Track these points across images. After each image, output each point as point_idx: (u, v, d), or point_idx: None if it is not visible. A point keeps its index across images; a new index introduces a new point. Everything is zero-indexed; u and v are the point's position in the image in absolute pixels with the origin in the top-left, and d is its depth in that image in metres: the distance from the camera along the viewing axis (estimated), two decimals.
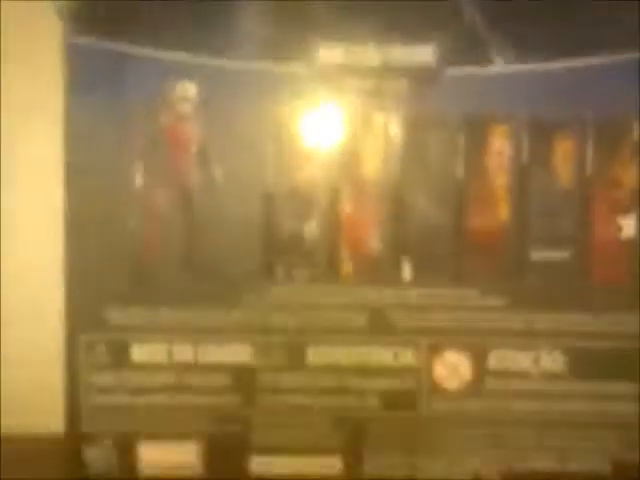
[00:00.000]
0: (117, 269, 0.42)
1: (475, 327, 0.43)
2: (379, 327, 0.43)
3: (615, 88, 0.41)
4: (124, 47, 0.41)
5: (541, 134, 0.42)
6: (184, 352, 0.43)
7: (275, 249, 0.43)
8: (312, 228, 0.43)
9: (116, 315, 0.42)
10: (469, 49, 0.41)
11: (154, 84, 0.41)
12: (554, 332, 0.43)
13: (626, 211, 0.42)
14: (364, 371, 0.43)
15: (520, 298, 0.42)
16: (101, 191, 0.41)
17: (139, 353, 0.43)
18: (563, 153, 0.42)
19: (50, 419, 0.44)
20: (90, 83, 0.41)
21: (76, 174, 0.42)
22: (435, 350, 0.43)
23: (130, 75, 0.41)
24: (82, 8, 0.41)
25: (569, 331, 0.43)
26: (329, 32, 0.41)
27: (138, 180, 0.42)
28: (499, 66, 0.41)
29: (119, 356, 0.43)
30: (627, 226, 0.42)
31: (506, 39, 0.41)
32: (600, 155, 0.42)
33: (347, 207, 0.43)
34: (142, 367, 0.43)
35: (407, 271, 0.43)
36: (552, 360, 0.43)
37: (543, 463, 0.43)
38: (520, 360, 0.43)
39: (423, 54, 0.41)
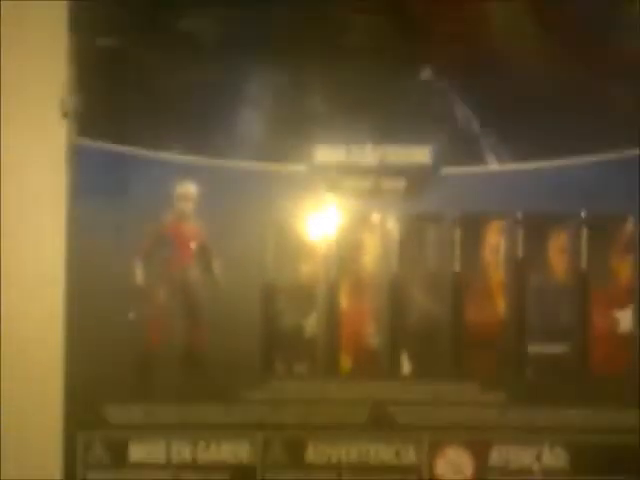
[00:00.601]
0: (116, 366, 0.42)
1: (476, 423, 0.42)
2: (380, 423, 0.42)
3: (607, 184, 0.42)
4: (126, 148, 0.42)
5: (536, 230, 0.43)
6: (182, 450, 0.42)
7: (275, 344, 0.43)
8: (311, 323, 0.43)
9: (115, 413, 0.42)
10: (464, 149, 0.42)
11: (155, 184, 0.42)
12: (555, 427, 0.42)
13: (623, 305, 0.43)
14: (365, 469, 0.42)
15: (519, 393, 0.42)
16: (102, 288, 0.42)
17: (137, 452, 0.42)
18: (558, 248, 0.43)
19: None
20: (93, 183, 0.42)
21: (77, 270, 0.42)
22: (437, 446, 0.43)
23: (132, 175, 0.42)
24: (86, 110, 0.42)
25: (570, 426, 0.42)
26: (327, 133, 0.42)
27: (139, 276, 0.42)
28: (493, 165, 0.42)
29: (117, 455, 0.42)
30: (624, 319, 0.43)
31: (500, 139, 0.42)
32: (595, 250, 0.43)
33: (346, 302, 0.43)
34: (140, 466, 0.42)
35: (406, 365, 0.43)
36: (554, 456, 0.42)
37: None
38: (522, 456, 0.42)
39: (420, 154, 0.42)
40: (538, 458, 0.42)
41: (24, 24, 0.45)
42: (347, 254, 0.43)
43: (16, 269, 0.44)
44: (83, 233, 0.42)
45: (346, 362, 0.43)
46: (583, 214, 0.43)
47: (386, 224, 0.43)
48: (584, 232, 0.43)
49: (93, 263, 0.42)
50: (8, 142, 0.44)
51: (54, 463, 0.43)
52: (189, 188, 0.42)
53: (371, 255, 0.43)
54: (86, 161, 0.42)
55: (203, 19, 0.43)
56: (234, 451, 0.42)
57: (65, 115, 0.42)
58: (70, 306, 0.42)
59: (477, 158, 0.42)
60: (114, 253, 0.42)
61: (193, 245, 0.42)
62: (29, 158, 0.43)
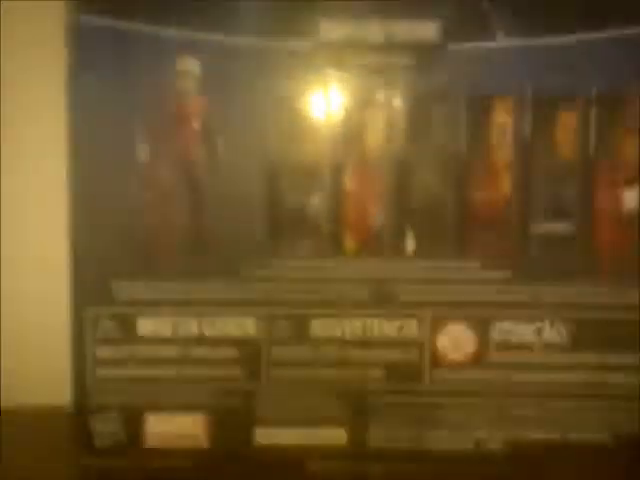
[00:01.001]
0: (122, 244, 0.42)
1: (477, 300, 0.43)
2: (382, 300, 0.43)
3: (618, 61, 0.41)
4: (126, 24, 0.41)
5: (544, 108, 0.42)
6: (189, 325, 0.43)
7: (278, 223, 0.43)
8: (315, 202, 0.43)
9: (122, 289, 0.43)
10: (472, 24, 0.41)
11: (156, 60, 0.41)
12: (556, 304, 0.43)
13: (628, 183, 0.42)
14: (367, 344, 0.43)
15: (522, 271, 0.43)
16: (105, 167, 0.42)
17: (145, 326, 0.43)
18: (566, 126, 0.42)
19: (57, 392, 0.45)
20: (93, 60, 0.41)
21: (80, 151, 0.42)
22: (438, 322, 0.43)
23: (132, 52, 0.41)
24: None
25: (571, 303, 0.43)
26: (331, 8, 0.41)
27: (142, 155, 0.42)
28: (501, 41, 0.41)
29: (125, 330, 0.43)
30: (629, 198, 0.42)
31: (508, 14, 0.41)
32: (603, 128, 0.42)
33: (350, 182, 0.43)
34: (147, 340, 0.43)
35: (410, 244, 0.43)
36: (554, 332, 0.43)
37: (545, 434, 0.44)
38: (522, 332, 0.43)
39: (426, 30, 0.41)
40: (539, 334, 0.43)
41: None
42: (352, 133, 0.42)
43: (17, 145, 0.44)
44: (84, 110, 0.41)
45: (350, 241, 0.43)
46: (593, 91, 0.42)
47: (392, 102, 0.42)
48: (593, 110, 0.42)
49: (96, 140, 0.41)
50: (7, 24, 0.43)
51: (63, 339, 0.43)
52: (190, 64, 0.41)
53: (376, 134, 0.42)
54: (86, 38, 0.41)
55: None
56: (240, 326, 0.43)
57: None
58: (74, 183, 0.42)
59: (486, 34, 0.41)
60: (116, 130, 0.41)
61: (196, 123, 0.42)
62: (29, 39, 0.42)
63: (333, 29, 0.41)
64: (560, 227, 0.43)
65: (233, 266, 0.43)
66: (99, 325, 0.43)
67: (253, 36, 0.41)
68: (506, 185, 0.43)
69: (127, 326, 0.43)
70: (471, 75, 0.41)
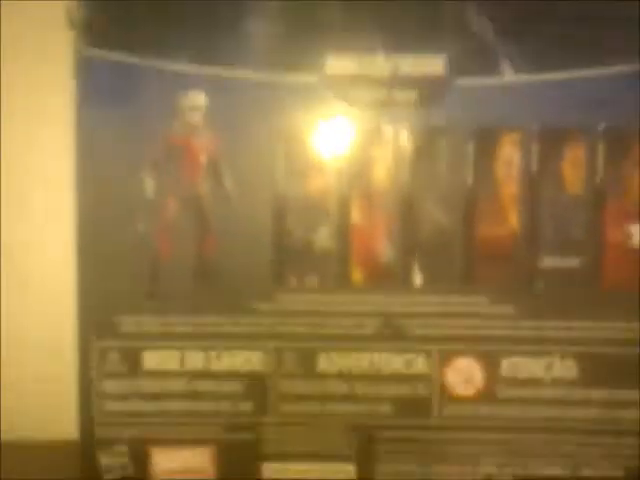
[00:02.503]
0: (130, 277, 0.42)
1: (486, 334, 0.43)
2: (390, 334, 0.43)
3: (625, 97, 0.41)
4: (135, 59, 0.41)
5: (551, 142, 0.42)
6: (196, 359, 0.43)
7: (286, 257, 0.43)
8: (323, 236, 0.43)
9: (129, 322, 0.43)
10: (479, 59, 0.41)
11: (164, 95, 0.42)
12: (565, 339, 0.43)
13: (636, 219, 0.42)
14: (376, 378, 0.43)
15: (530, 305, 0.43)
16: (113, 200, 0.42)
17: (151, 360, 0.43)
18: (573, 161, 0.42)
19: (64, 425, 0.45)
20: (101, 94, 0.42)
21: (87, 183, 0.42)
22: (447, 357, 0.43)
23: (141, 85, 0.42)
24: (93, 20, 0.42)
25: (580, 338, 0.43)
26: (339, 42, 0.41)
27: (150, 189, 0.42)
28: (509, 76, 0.41)
29: (132, 363, 0.43)
30: (637, 233, 0.42)
31: (516, 49, 0.41)
32: (610, 163, 0.42)
33: (357, 215, 0.43)
34: (154, 374, 0.43)
35: (417, 278, 0.43)
36: (564, 367, 0.43)
37: (555, 469, 0.43)
38: (532, 367, 0.43)
39: (433, 64, 0.41)
40: (548, 369, 0.43)
41: None
42: (358, 167, 0.42)
43: (26, 183, 0.44)
44: (92, 144, 0.42)
45: (357, 275, 0.43)
46: (600, 127, 0.42)
47: (398, 136, 0.42)
48: (600, 145, 0.42)
49: (103, 174, 0.42)
50: (14, 60, 0.44)
51: (70, 373, 0.43)
52: (198, 98, 0.41)
53: (383, 168, 0.42)
54: (94, 71, 0.41)
55: None
56: (246, 360, 0.43)
57: (72, 25, 0.42)
58: (82, 217, 0.42)
59: (492, 68, 0.41)
60: (124, 165, 0.42)
61: (203, 157, 0.42)
62: (34, 69, 0.43)
63: (339, 63, 0.42)
64: (568, 262, 0.43)
65: (240, 299, 0.43)
66: (105, 358, 0.43)
67: (260, 70, 0.42)
68: (513, 219, 0.42)
69: (133, 359, 0.43)
70: (477, 109, 0.42)
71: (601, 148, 0.42)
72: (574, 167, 0.42)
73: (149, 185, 0.42)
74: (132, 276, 0.42)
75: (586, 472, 0.43)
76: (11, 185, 0.45)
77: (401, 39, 0.41)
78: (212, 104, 0.42)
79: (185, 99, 0.42)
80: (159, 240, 0.42)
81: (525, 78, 0.41)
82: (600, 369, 0.43)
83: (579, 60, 0.41)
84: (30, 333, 0.45)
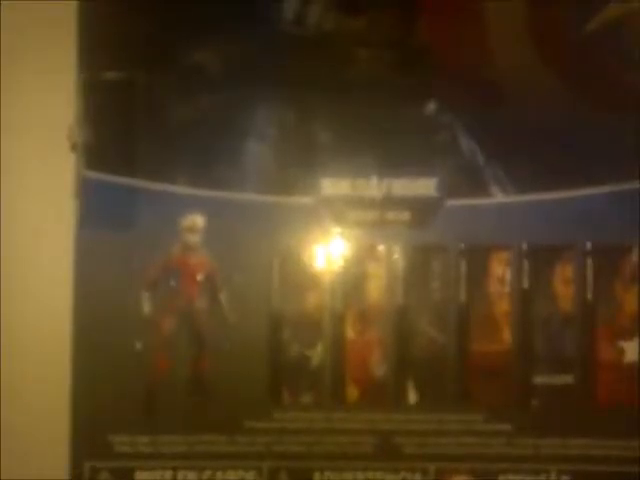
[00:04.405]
0: (123, 396, 0.42)
1: (481, 453, 0.42)
2: (386, 453, 0.42)
3: (613, 216, 0.42)
4: (134, 181, 0.43)
5: (541, 260, 0.43)
6: (188, 479, 0.43)
7: (281, 374, 0.43)
8: (318, 353, 0.43)
9: (121, 442, 0.42)
10: (469, 182, 0.43)
11: (163, 216, 0.42)
12: (560, 457, 0.42)
13: (628, 335, 0.43)
14: None
15: (525, 423, 0.42)
16: (109, 318, 0.42)
17: None
18: (563, 279, 0.43)
19: None
20: (100, 215, 0.42)
21: (84, 300, 0.42)
22: (443, 476, 0.43)
23: (139, 207, 0.42)
24: (95, 144, 0.43)
25: (575, 456, 0.42)
26: (333, 166, 0.43)
27: (146, 307, 0.43)
28: (498, 197, 0.43)
29: None
30: (630, 350, 0.43)
31: (504, 171, 0.43)
32: (600, 280, 0.43)
33: (351, 332, 0.43)
34: None
35: (412, 396, 0.43)
36: None
37: None
38: None
39: (425, 186, 0.43)
40: None
41: (29, 57, 0.45)
42: (353, 285, 0.43)
43: (23, 298, 0.44)
44: (90, 264, 0.42)
45: (352, 392, 0.43)
46: (588, 245, 0.43)
47: (391, 255, 0.43)
48: (589, 263, 0.43)
49: (100, 294, 0.42)
50: (15, 173, 0.45)
51: None
52: (196, 220, 0.42)
53: (376, 286, 0.43)
54: (94, 193, 0.43)
55: (209, 53, 0.43)
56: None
57: (73, 147, 0.43)
58: (77, 335, 0.42)
59: (482, 190, 0.43)
60: (121, 284, 0.42)
61: (200, 276, 0.43)
62: (35, 190, 0.44)
63: (333, 186, 0.43)
64: (562, 379, 0.43)
65: (234, 418, 0.42)
66: (97, 479, 0.43)
67: (256, 193, 0.43)
68: (507, 336, 0.43)
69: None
70: (468, 229, 0.43)
71: (589, 265, 0.43)
72: (565, 284, 0.43)
73: (146, 304, 0.42)
74: (126, 395, 0.42)
75: None
76: (7, 305, 0.46)
77: (393, 163, 0.43)
78: (210, 225, 0.43)
79: (184, 221, 0.43)
80: (155, 358, 0.42)
81: (513, 199, 0.43)
82: None
83: (565, 181, 0.42)
84: (21, 454, 0.44)
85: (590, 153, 0.42)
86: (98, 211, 0.42)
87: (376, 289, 0.43)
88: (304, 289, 0.43)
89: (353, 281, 0.43)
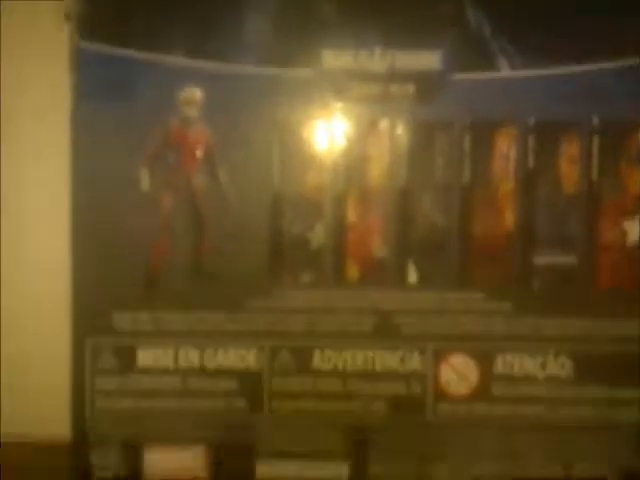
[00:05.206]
0: (124, 274, 0.42)
1: (480, 332, 0.43)
2: (385, 331, 0.43)
3: (620, 93, 0.41)
4: (131, 53, 0.41)
5: (547, 138, 0.42)
6: (190, 356, 0.43)
7: (281, 253, 0.43)
8: (318, 233, 0.43)
9: (122, 320, 0.43)
10: (475, 55, 0.41)
11: (159, 88, 0.41)
12: (560, 337, 0.43)
13: (631, 216, 0.42)
14: (370, 376, 0.43)
15: (525, 303, 0.42)
16: (108, 195, 0.42)
17: (145, 358, 0.43)
18: (569, 157, 0.42)
19: (57, 423, 0.44)
20: (96, 87, 0.41)
21: (83, 178, 0.42)
22: (441, 355, 0.43)
23: (136, 79, 0.41)
24: (89, 13, 0.41)
25: (575, 336, 0.43)
26: (335, 38, 0.41)
27: (145, 182, 0.42)
28: (505, 71, 0.41)
29: (125, 360, 0.43)
30: (632, 230, 0.42)
31: (512, 45, 0.41)
32: (606, 159, 0.42)
33: (353, 212, 0.43)
34: (148, 371, 0.43)
35: (412, 275, 0.43)
36: (558, 365, 0.43)
37: (549, 468, 0.43)
38: (526, 365, 0.43)
39: (429, 60, 0.41)
40: (543, 367, 0.43)
41: None
42: (354, 162, 0.42)
43: (19, 178, 0.44)
44: (87, 138, 0.41)
45: (353, 272, 0.43)
46: (595, 121, 0.42)
47: (394, 131, 0.42)
48: (595, 140, 0.42)
49: (98, 169, 0.42)
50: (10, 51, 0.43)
51: (63, 370, 0.43)
52: (193, 92, 0.41)
53: (379, 164, 0.42)
54: (89, 64, 0.41)
55: None
56: (241, 358, 0.43)
57: (67, 18, 0.41)
58: (76, 213, 0.42)
59: (488, 64, 0.41)
60: (119, 159, 0.41)
61: (199, 152, 0.42)
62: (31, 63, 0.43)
63: (335, 58, 0.41)
64: (564, 259, 0.42)
65: (235, 297, 0.42)
66: (99, 356, 0.43)
67: (255, 65, 0.41)
68: (509, 217, 0.42)
69: (127, 357, 0.43)
70: (474, 105, 0.42)
71: (596, 143, 0.42)
72: (570, 164, 0.42)
73: (145, 179, 0.42)
74: (127, 273, 0.42)
75: (580, 472, 0.43)
76: (6, 183, 0.45)
77: (397, 35, 0.41)
78: (207, 98, 0.41)
79: (181, 93, 0.41)
80: (154, 235, 0.42)
81: (520, 73, 0.41)
82: (595, 367, 0.43)
83: (574, 55, 0.41)
84: (23, 331, 0.45)
85: (601, 27, 0.41)
86: (94, 83, 0.41)
87: (378, 168, 0.42)
88: (304, 167, 0.42)
89: (355, 160, 0.42)
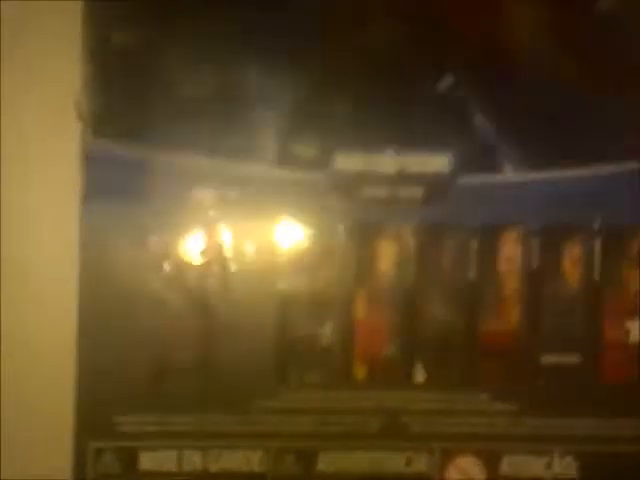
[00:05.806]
0: (129, 374, 0.41)
1: (487, 432, 0.42)
2: (392, 431, 0.42)
3: (622, 196, 0.43)
4: (142, 152, 0.42)
5: (551, 239, 0.43)
6: (194, 459, 0.42)
7: (288, 353, 0.42)
8: (327, 332, 0.43)
9: (126, 422, 0.42)
10: (481, 158, 0.42)
11: (172, 188, 0.42)
12: (566, 437, 0.42)
13: (633, 315, 0.43)
14: (376, 478, 0.42)
15: (531, 403, 0.42)
16: (115, 294, 0.41)
17: (148, 460, 0.42)
18: (572, 257, 0.43)
19: None
20: (107, 188, 0.41)
21: (91, 276, 0.41)
22: (448, 455, 0.42)
23: (146, 179, 0.42)
24: (102, 112, 0.42)
25: (581, 436, 0.43)
26: (346, 140, 0.42)
27: (153, 283, 0.42)
28: (510, 174, 0.42)
29: (127, 463, 0.42)
30: (634, 329, 0.43)
31: (516, 148, 0.42)
32: (608, 260, 0.43)
33: (361, 311, 0.43)
34: (151, 475, 0.42)
35: (420, 375, 0.43)
36: (564, 465, 0.43)
37: None
38: (532, 465, 0.43)
39: (438, 163, 0.42)
40: (549, 467, 0.42)
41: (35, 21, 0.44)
42: (363, 262, 0.43)
43: (26, 274, 0.43)
44: (97, 237, 0.41)
45: (360, 371, 0.43)
46: (596, 225, 0.43)
47: (403, 232, 0.43)
48: (597, 241, 0.43)
49: (107, 267, 0.41)
50: (19, 145, 0.43)
51: (63, 472, 0.42)
52: (206, 193, 0.42)
53: (387, 263, 0.43)
54: (101, 163, 0.41)
55: (222, 19, 0.42)
56: (246, 460, 0.42)
57: (80, 116, 0.42)
58: (83, 313, 0.42)
59: (494, 167, 0.42)
60: (128, 258, 0.41)
61: (209, 251, 0.42)
62: (42, 161, 0.43)
63: (347, 161, 0.42)
64: (568, 358, 0.43)
65: (242, 397, 0.42)
66: (100, 459, 0.42)
67: (269, 166, 0.42)
68: (515, 315, 0.43)
69: (129, 460, 0.42)
70: (480, 207, 0.42)
71: (598, 244, 0.43)
72: (573, 264, 0.43)
73: (153, 279, 0.42)
74: (132, 374, 0.41)
75: None
76: (11, 274, 0.45)
77: (407, 138, 0.42)
78: (220, 199, 0.42)
79: (193, 194, 0.42)
80: (161, 335, 0.42)
81: (524, 176, 0.42)
82: (601, 467, 0.43)
83: (576, 159, 0.42)
84: (24, 432, 0.44)
85: (602, 131, 0.42)
86: (105, 181, 0.41)
87: (386, 267, 0.43)
88: (314, 266, 0.42)
89: (363, 259, 0.43)
